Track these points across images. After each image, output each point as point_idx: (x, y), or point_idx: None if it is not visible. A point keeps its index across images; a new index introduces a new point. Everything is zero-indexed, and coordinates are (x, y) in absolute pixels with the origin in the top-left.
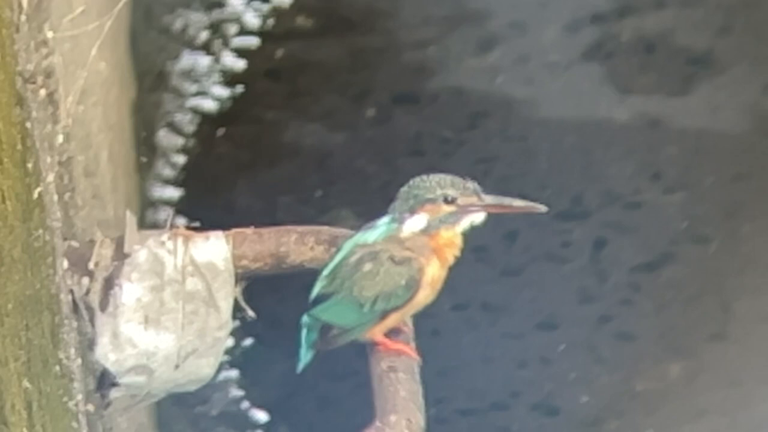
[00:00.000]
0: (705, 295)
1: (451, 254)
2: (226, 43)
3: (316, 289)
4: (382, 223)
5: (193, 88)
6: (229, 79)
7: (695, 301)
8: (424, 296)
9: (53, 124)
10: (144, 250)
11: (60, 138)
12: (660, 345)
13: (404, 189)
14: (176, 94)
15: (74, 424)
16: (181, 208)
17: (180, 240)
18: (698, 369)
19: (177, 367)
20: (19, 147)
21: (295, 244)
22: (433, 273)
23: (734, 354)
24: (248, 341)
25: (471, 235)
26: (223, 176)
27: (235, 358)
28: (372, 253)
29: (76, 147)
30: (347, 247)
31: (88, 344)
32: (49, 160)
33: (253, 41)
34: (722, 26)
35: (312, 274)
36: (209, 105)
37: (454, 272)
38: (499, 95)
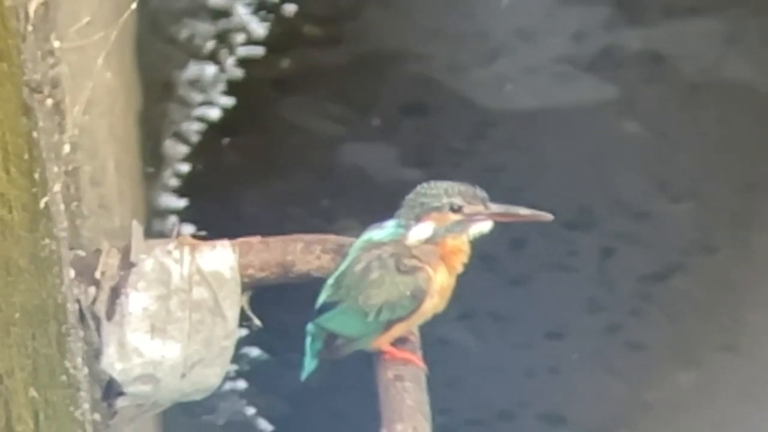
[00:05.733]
0: (715, 305)
1: (459, 262)
2: (232, 53)
3: (322, 298)
4: (389, 226)
5: (199, 97)
6: (236, 88)
7: (705, 311)
8: (432, 305)
9: (60, 134)
10: (150, 259)
11: (66, 148)
12: (670, 355)
13: (410, 196)
14: (182, 104)
15: None
16: (187, 217)
17: (186, 249)
18: (709, 379)
19: (183, 376)
20: (26, 157)
21: (301, 253)
22: (442, 281)
23: (745, 364)
24: (255, 351)
25: (478, 243)
26: (230, 186)
27: (241, 367)
28: (379, 259)
29: (83, 157)
30: (353, 252)
31: (94, 353)
32: (55, 169)
33: (259, 51)
34: (730, 35)
35: (319, 283)
36: (215, 114)
37: (460, 281)
38: (507, 105)
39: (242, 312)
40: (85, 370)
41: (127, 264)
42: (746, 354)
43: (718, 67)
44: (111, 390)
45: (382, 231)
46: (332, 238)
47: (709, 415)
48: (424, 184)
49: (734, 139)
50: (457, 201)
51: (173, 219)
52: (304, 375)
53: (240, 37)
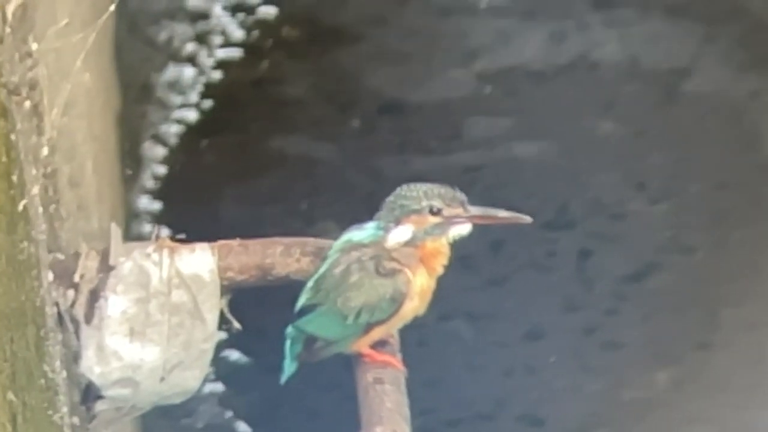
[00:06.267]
0: (691, 303)
1: (440, 264)
2: (211, 55)
3: (301, 301)
4: (369, 227)
5: (178, 99)
6: (214, 90)
7: (682, 309)
8: (413, 308)
9: (38, 136)
10: (129, 262)
11: (45, 150)
12: (647, 354)
13: (390, 198)
14: (161, 106)
15: None
16: (166, 219)
17: (165, 252)
18: (685, 377)
19: (162, 379)
20: (4, 159)
21: (280, 255)
22: (422, 283)
23: (721, 362)
24: (234, 354)
25: (456, 244)
26: (209, 188)
27: (221, 370)
28: (358, 262)
29: (61, 158)
30: (332, 253)
31: (73, 357)
32: (33, 172)
33: (237, 53)
34: (706, 35)
35: (298, 286)
36: (194, 116)
37: (439, 282)
38: (484, 105)
39: (221, 315)
40: (64, 374)
41: (105, 267)
42: (722, 351)
43: (694, 68)
44: (90, 393)
45: (362, 232)
46: (311, 241)
47: (687, 413)
48: (404, 187)
49: (710, 140)
50: (437, 204)
51: (151, 221)
52: (283, 378)
53: (219, 39)
